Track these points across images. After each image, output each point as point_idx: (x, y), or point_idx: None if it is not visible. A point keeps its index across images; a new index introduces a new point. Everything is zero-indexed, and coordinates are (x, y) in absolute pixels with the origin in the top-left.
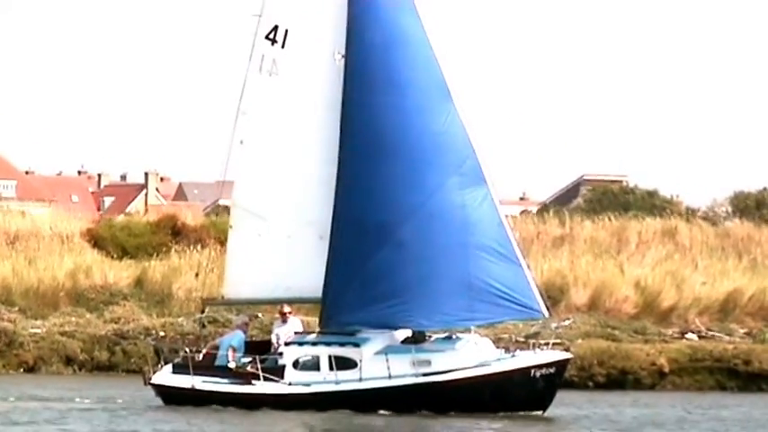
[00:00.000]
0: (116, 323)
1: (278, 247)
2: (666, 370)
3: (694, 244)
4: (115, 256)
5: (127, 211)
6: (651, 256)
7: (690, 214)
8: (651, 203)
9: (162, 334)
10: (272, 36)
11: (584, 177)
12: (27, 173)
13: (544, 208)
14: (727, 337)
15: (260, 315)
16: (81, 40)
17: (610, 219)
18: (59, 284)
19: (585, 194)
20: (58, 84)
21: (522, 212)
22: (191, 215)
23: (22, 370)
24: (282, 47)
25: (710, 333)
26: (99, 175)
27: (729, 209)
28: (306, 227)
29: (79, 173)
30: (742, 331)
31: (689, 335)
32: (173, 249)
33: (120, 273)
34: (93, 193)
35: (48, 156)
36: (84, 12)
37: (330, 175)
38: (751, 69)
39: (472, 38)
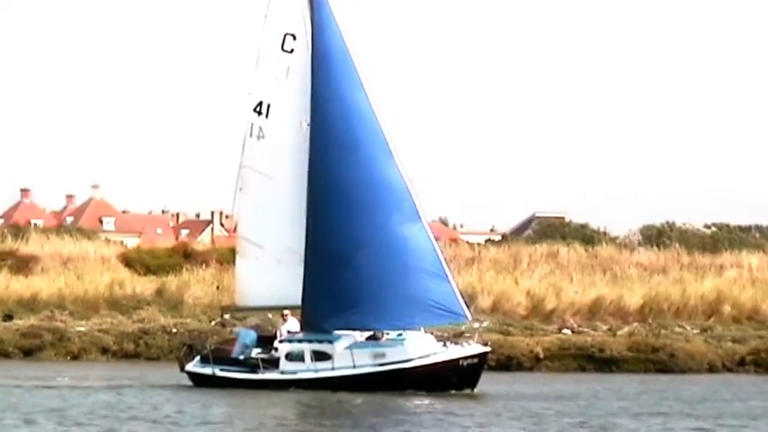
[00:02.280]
0: (141, 323)
1: (271, 268)
2: (541, 356)
3: (570, 263)
4: (141, 273)
5: (197, 240)
6: (538, 272)
7: (610, 240)
8: (583, 233)
9: (174, 330)
10: (258, 109)
11: (536, 214)
12: (123, 212)
13: (504, 237)
14: (593, 332)
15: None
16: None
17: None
18: (99, 294)
19: (535, 227)
20: (151, 138)
21: (487, 240)
22: (201, 243)
23: (69, 358)
24: (267, 117)
25: (581, 329)
26: (177, 214)
27: (640, 237)
28: (290, 253)
29: (163, 212)
30: (605, 327)
31: (565, 330)
32: (184, 268)
33: (144, 285)
34: (173, 227)
35: (139, 198)
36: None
37: (304, 215)
38: (665, 130)
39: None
